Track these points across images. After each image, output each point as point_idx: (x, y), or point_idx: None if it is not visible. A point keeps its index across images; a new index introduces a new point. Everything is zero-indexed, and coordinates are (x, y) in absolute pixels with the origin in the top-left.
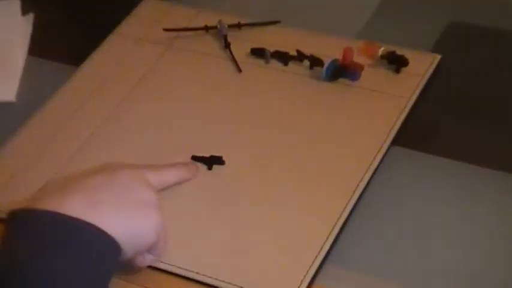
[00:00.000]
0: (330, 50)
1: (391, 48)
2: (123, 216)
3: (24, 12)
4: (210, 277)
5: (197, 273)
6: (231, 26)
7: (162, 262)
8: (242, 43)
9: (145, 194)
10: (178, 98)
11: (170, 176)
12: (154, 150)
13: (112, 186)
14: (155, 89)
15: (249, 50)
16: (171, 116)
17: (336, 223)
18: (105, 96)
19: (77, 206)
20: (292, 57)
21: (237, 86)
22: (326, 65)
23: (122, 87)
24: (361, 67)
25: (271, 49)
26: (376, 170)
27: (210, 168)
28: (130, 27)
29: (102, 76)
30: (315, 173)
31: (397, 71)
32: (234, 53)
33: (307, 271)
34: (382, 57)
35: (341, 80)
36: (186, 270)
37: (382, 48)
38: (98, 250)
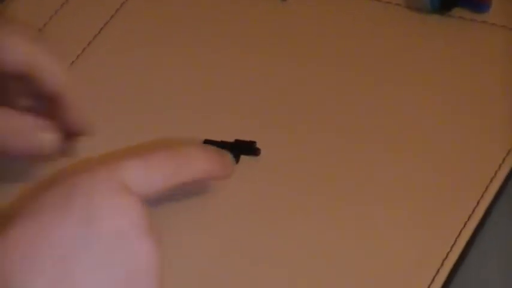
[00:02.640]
0: None
1: None
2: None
3: None
4: None
5: None
6: None
7: None
8: None
9: (122, 220)
10: (176, 44)
11: (178, 171)
12: (140, 132)
13: (62, 219)
14: (127, 32)
15: None
16: (163, 78)
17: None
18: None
19: (9, 259)
20: None
21: (279, 24)
22: None
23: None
24: None
25: None
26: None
27: (236, 161)
28: None
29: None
30: (420, 179)
31: None
32: None
33: None
34: None
35: (458, 10)
36: None
37: None
38: None
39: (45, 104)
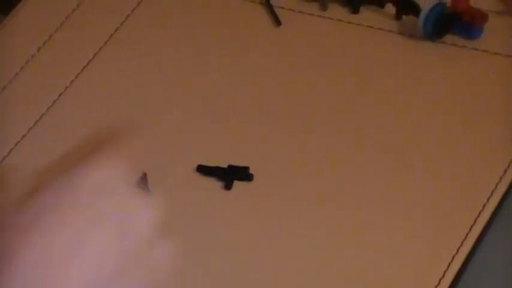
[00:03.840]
0: None
1: None
2: None
3: None
4: None
5: None
6: None
7: None
8: None
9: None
10: (171, 67)
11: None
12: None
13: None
14: (128, 49)
15: None
16: (162, 99)
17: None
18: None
19: None
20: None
21: (273, 49)
22: (425, 12)
23: (87, 46)
24: (484, 17)
25: None
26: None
27: (228, 188)
28: None
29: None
30: (418, 199)
31: None
32: None
33: None
34: None
35: (450, 37)
36: None
37: None
38: None
39: None
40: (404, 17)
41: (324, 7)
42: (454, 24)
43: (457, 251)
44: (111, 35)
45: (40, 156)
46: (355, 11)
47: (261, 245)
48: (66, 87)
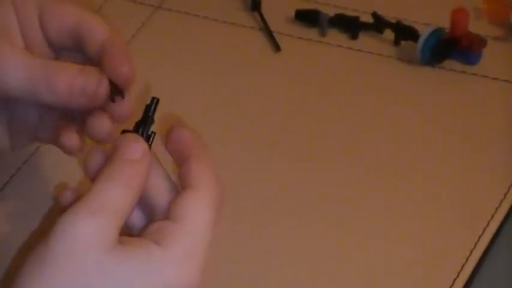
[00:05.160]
0: (428, 12)
1: None
2: None
3: None
4: None
5: None
6: None
7: None
8: (281, 1)
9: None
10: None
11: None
12: None
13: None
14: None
15: (292, 14)
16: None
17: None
18: None
19: None
20: (364, 25)
21: (272, 76)
22: (423, 37)
23: None
24: (482, 42)
25: (331, 12)
26: None
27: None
28: None
29: None
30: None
31: None
32: (268, 19)
33: None
34: None
35: (448, 62)
36: None
37: None
38: None
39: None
40: (402, 42)
41: (323, 33)
42: (452, 49)
43: (458, 275)
44: None
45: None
46: (354, 36)
47: (266, 274)
48: None
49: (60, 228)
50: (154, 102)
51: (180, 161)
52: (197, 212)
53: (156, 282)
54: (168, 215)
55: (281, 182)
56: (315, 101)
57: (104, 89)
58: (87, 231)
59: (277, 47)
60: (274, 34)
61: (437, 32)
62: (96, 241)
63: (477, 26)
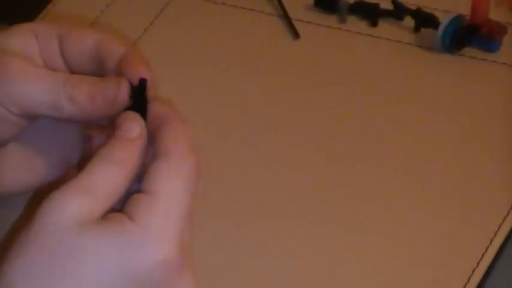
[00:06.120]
0: None
1: None
2: None
3: None
4: None
5: None
6: None
7: None
8: None
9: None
10: (185, 80)
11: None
12: None
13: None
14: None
15: (312, 0)
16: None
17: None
18: None
19: None
20: (384, 12)
21: (291, 63)
22: (443, 24)
23: None
24: (503, 30)
25: None
26: None
27: None
28: None
29: None
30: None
31: None
32: (286, 5)
33: None
34: None
35: (468, 50)
36: None
37: None
38: None
39: None
40: (422, 29)
41: (342, 20)
42: (472, 37)
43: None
44: None
45: None
46: (373, 23)
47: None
48: None
49: (47, 204)
50: (144, 84)
51: (154, 131)
52: (169, 183)
53: (129, 255)
54: (142, 186)
55: (298, 170)
56: (334, 88)
57: (124, 91)
58: (71, 209)
59: (296, 34)
60: (293, 21)
61: (457, 19)
62: (78, 218)
63: (497, 14)
